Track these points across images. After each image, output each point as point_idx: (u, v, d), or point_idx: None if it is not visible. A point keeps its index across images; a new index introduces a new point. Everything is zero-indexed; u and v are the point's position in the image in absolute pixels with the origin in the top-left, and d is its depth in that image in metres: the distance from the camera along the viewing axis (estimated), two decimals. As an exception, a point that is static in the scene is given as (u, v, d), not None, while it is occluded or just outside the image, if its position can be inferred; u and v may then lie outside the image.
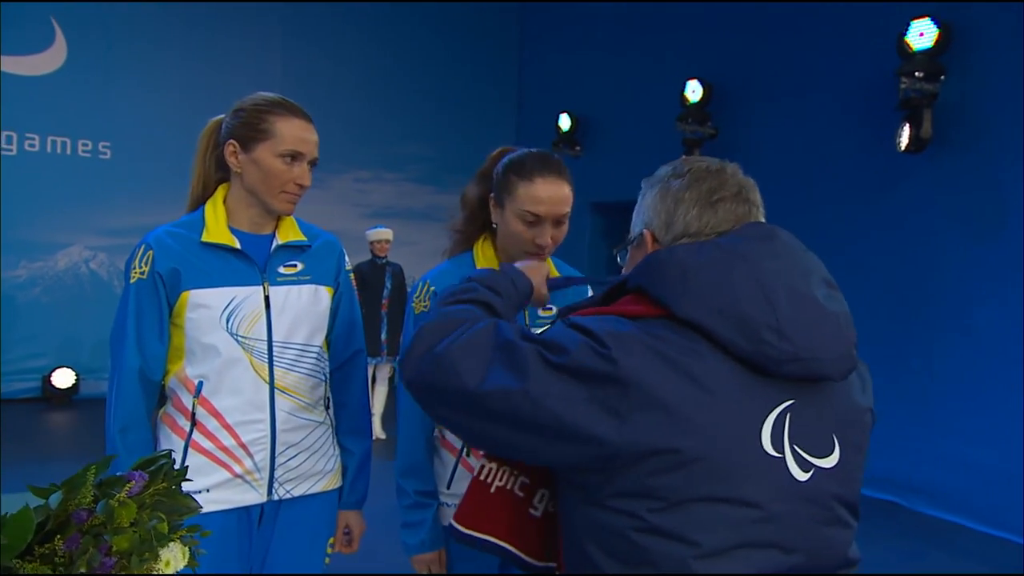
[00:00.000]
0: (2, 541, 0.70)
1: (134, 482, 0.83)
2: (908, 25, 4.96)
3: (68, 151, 7.32)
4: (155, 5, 7.46)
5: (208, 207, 1.62)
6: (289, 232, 1.67)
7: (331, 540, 1.75)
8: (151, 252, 1.56)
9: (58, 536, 0.76)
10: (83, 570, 0.74)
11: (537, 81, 9.11)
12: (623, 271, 1.19)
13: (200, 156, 1.68)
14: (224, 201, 1.64)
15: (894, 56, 5.05)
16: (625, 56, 7.61)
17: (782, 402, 0.97)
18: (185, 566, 0.84)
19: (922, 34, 4.94)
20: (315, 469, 1.69)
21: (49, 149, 7.23)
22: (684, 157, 1.16)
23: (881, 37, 5.20)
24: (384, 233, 6.13)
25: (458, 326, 1.06)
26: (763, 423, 0.95)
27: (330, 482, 1.73)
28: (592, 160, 7.80)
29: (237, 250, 1.59)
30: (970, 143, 4.88)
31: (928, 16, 4.87)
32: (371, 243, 6.09)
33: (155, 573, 0.79)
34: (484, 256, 1.70)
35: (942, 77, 4.97)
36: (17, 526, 0.72)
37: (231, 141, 1.59)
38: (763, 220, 1.11)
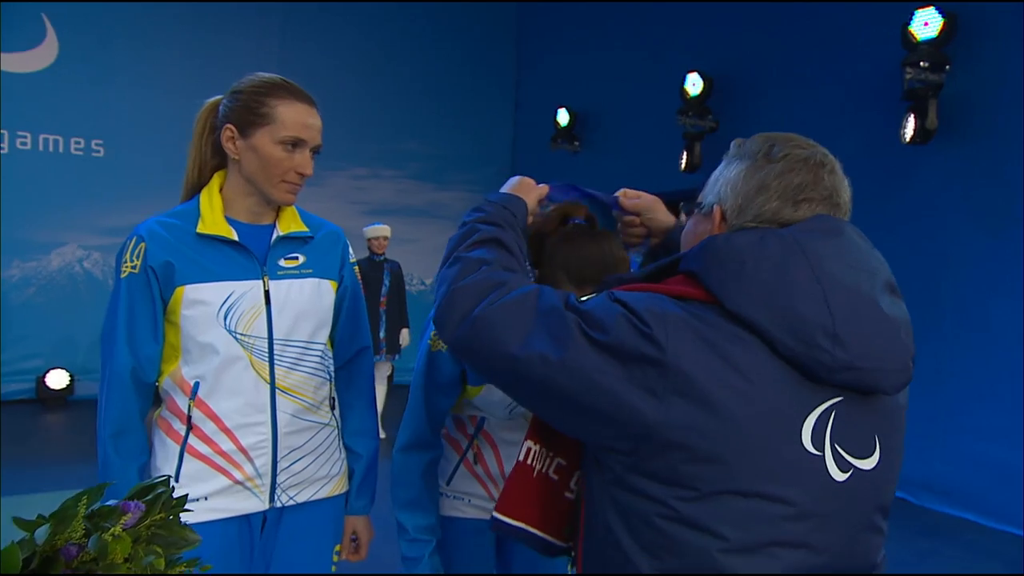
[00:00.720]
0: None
1: (130, 513, 0.74)
2: (912, 15, 4.89)
3: (61, 149, 7.22)
4: (148, 3, 7.35)
5: (203, 196, 1.53)
6: (290, 223, 1.57)
7: (337, 547, 1.66)
8: (143, 244, 1.47)
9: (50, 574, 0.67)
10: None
11: (535, 76, 9.03)
12: (684, 232, 1.15)
13: (196, 140, 1.58)
14: (220, 190, 1.54)
15: (898, 47, 4.97)
16: (624, 50, 7.53)
17: (828, 399, 0.92)
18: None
19: (927, 24, 4.86)
20: (320, 473, 1.61)
21: (41, 147, 7.12)
22: (784, 135, 1.05)
23: (885, 27, 5.12)
24: (382, 230, 6.04)
25: (493, 288, 1.03)
26: (805, 419, 0.91)
27: (336, 487, 1.64)
28: (591, 155, 7.71)
29: (235, 242, 1.50)
30: (977, 134, 4.81)
31: (932, 5, 4.80)
32: (369, 240, 6.01)
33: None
34: None
35: (947, 67, 4.89)
36: (1, 565, 0.63)
37: (228, 125, 1.50)
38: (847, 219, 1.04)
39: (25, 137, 7.04)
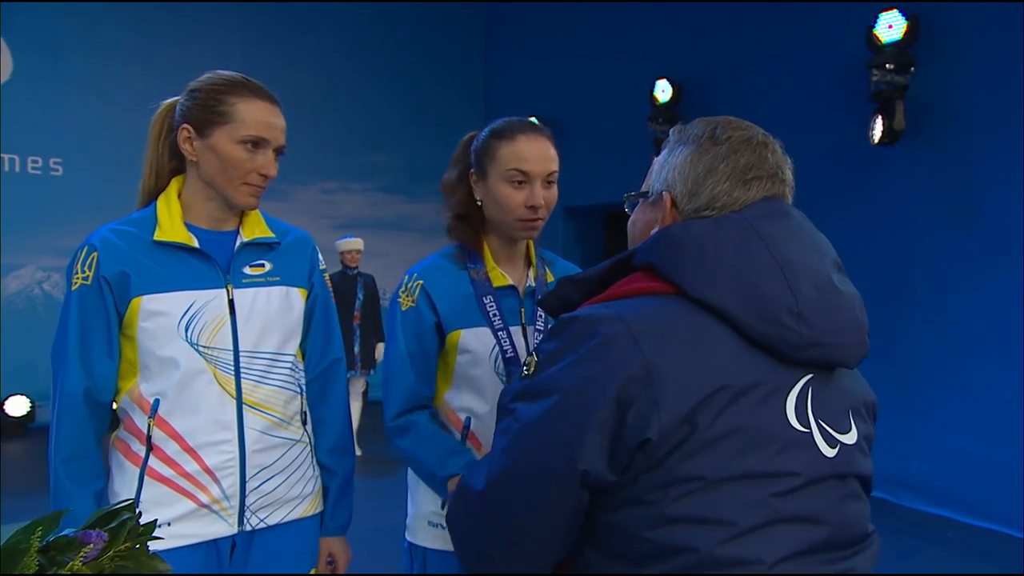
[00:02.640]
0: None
1: (91, 544, 0.65)
2: (876, 17, 4.94)
3: (17, 168, 7.01)
4: (105, 16, 7.20)
5: (161, 202, 1.44)
6: (255, 228, 1.48)
7: (313, 571, 1.57)
8: (95, 254, 1.38)
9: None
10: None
11: (504, 85, 9.00)
12: (628, 223, 1.13)
13: (152, 144, 1.49)
14: (179, 195, 1.45)
15: (863, 49, 5.02)
16: (592, 58, 7.53)
17: (801, 377, 0.94)
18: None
19: (891, 26, 4.92)
20: (292, 494, 1.51)
21: (-3, 167, 6.91)
22: (723, 118, 1.06)
23: (850, 30, 5.17)
24: (355, 243, 5.94)
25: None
26: (787, 398, 0.92)
27: (309, 507, 1.55)
28: (562, 164, 7.65)
29: (195, 249, 1.41)
30: (943, 134, 4.87)
31: (896, 8, 4.85)
32: (341, 254, 5.90)
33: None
34: (489, 246, 1.60)
35: (912, 68, 4.95)
36: None
37: (185, 125, 1.41)
38: (790, 199, 1.05)
39: (-20, 157, 6.82)
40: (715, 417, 0.87)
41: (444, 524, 1.50)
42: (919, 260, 4.95)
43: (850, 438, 0.96)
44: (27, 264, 7.09)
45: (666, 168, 1.05)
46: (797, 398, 0.92)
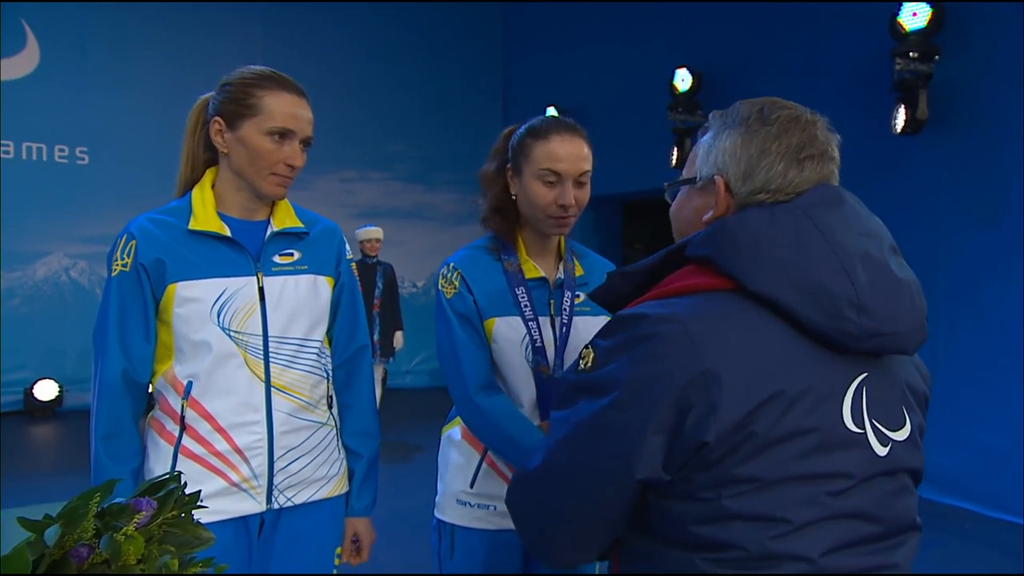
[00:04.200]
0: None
1: (142, 512, 0.70)
2: (901, 6, 4.89)
3: (44, 157, 7.12)
4: (130, 6, 7.28)
5: (195, 192, 1.49)
6: (285, 218, 1.53)
7: (338, 550, 1.62)
8: (134, 242, 1.43)
9: (63, 577, 0.63)
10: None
11: (523, 75, 8.99)
12: (672, 211, 1.10)
13: (188, 136, 1.54)
14: (212, 185, 1.50)
15: (887, 37, 4.97)
16: (611, 47, 7.51)
17: (857, 376, 0.93)
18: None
19: (915, 14, 4.86)
20: (318, 474, 1.56)
21: (24, 156, 7.03)
22: (767, 99, 1.03)
23: (874, 18, 5.12)
24: (374, 232, 5.99)
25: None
26: (843, 399, 0.91)
27: (335, 488, 1.60)
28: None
29: (228, 238, 1.46)
30: (967, 123, 4.82)
31: (921, -4, 4.80)
32: (361, 243, 5.96)
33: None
34: (522, 239, 1.64)
35: (936, 57, 4.89)
36: (10, 569, 0.59)
37: (216, 118, 1.47)
38: (838, 176, 1.03)
39: (8, 145, 6.94)
40: (773, 422, 0.87)
41: (472, 502, 1.56)
42: (943, 252, 4.91)
43: (902, 434, 0.96)
44: (54, 251, 7.22)
45: (714, 152, 1.01)
46: (853, 399, 0.92)
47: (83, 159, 7.28)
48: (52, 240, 7.17)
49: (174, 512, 0.74)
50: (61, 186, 7.11)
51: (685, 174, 1.07)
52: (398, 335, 6.09)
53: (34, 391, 6.91)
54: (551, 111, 7.89)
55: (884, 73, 5.02)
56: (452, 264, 1.62)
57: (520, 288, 1.58)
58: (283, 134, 1.44)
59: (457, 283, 1.59)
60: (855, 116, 5.35)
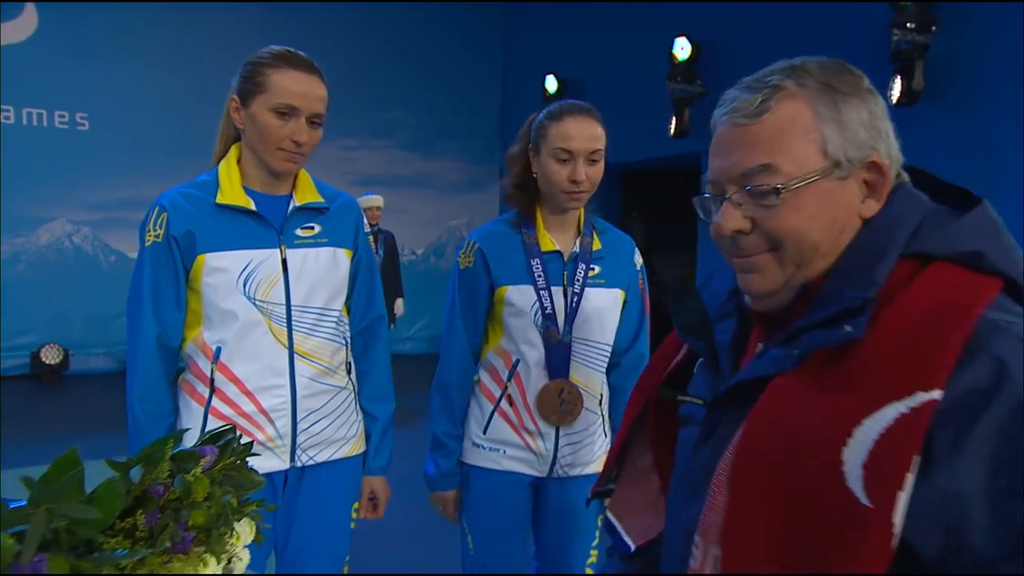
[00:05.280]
0: (93, 515, 0.67)
1: (207, 457, 0.80)
2: (900, -24, 4.91)
3: (44, 123, 7.13)
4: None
5: (222, 167, 1.57)
6: (307, 193, 1.62)
7: (356, 506, 1.74)
8: (165, 214, 1.51)
9: (139, 511, 0.73)
10: (168, 544, 0.71)
11: (522, 44, 8.97)
12: (803, 213, 0.81)
13: (223, 115, 1.62)
14: (238, 161, 1.58)
15: (886, 8, 5.01)
16: (611, 15, 7.50)
17: None
18: (251, 541, 0.82)
19: (914, -16, 4.89)
20: (338, 435, 1.67)
21: (25, 121, 7.04)
22: (836, 61, 0.86)
23: (873, -11, 5.15)
24: (375, 200, 6.05)
25: None
26: None
27: (353, 448, 1.71)
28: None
29: (253, 212, 1.55)
30: (962, 94, 4.88)
31: (920, -34, 4.82)
32: (362, 211, 6.02)
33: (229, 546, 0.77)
34: (541, 214, 1.79)
35: (933, 28, 4.93)
36: (107, 498, 0.69)
37: (234, 97, 1.55)
38: None
39: (8, 111, 6.95)
40: None
41: (484, 445, 1.78)
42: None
43: None
44: (57, 217, 7.27)
45: (851, 128, 0.81)
46: None
47: (83, 125, 7.29)
48: (54, 206, 7.22)
49: (231, 459, 0.84)
50: (62, 152, 7.13)
51: (790, 167, 0.80)
52: (399, 302, 6.19)
53: (40, 355, 7.02)
54: (550, 80, 7.90)
55: (882, 43, 5.06)
56: (473, 239, 1.78)
57: (535, 260, 1.72)
58: (288, 110, 1.50)
59: (473, 256, 1.75)
60: (853, 87, 5.40)
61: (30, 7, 6.98)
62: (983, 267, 0.76)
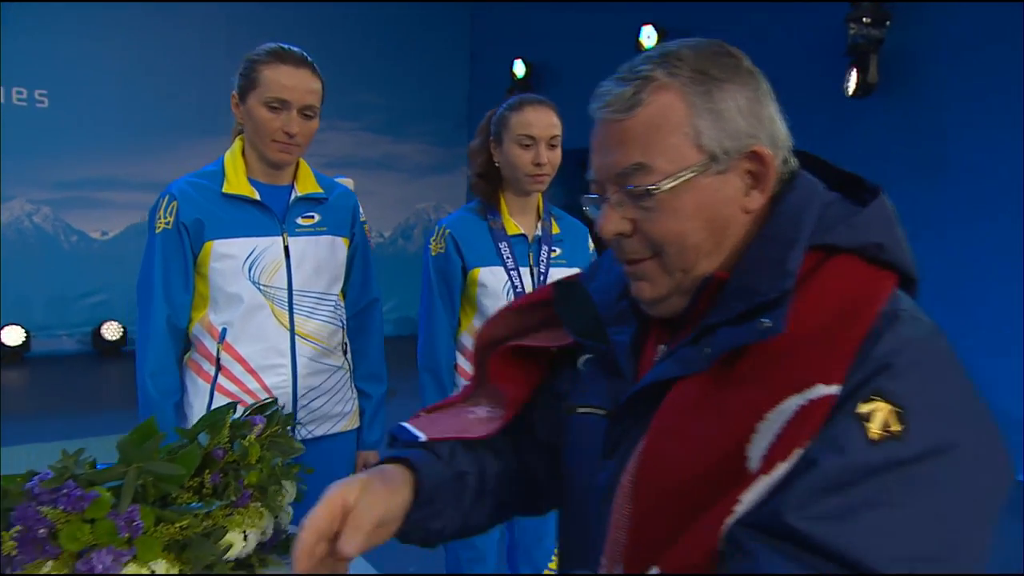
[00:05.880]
0: (176, 471, 0.78)
1: (259, 425, 0.91)
2: (856, -28, 5.10)
3: (1, 100, 6.99)
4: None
5: (228, 158, 1.66)
6: (307, 184, 1.72)
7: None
8: (175, 203, 1.60)
9: (206, 471, 0.84)
10: (232, 499, 0.83)
11: (490, 27, 9.01)
12: (679, 215, 0.77)
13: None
14: (243, 153, 1.67)
15: (843, 2, 5.20)
16: (578, 2, 7.60)
17: None
18: (294, 499, 0.95)
19: (870, -20, 5.09)
20: (335, 411, 1.78)
21: (-18, 98, 6.89)
22: (715, 42, 0.82)
23: (832, -17, 5.34)
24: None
25: None
26: None
27: (348, 423, 1.82)
28: (547, 106, 7.81)
29: (257, 201, 1.64)
30: (914, 87, 5.10)
31: (875, -38, 5.02)
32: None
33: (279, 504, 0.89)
34: (505, 201, 1.92)
35: (887, 23, 5.15)
36: (186, 458, 0.80)
37: (233, 93, 1.63)
38: None
39: (-35, 88, 6.80)
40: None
41: None
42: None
43: None
44: (17, 196, 7.15)
45: (726, 117, 0.77)
46: None
47: (43, 102, 7.16)
48: (13, 185, 7.08)
49: (276, 427, 0.96)
50: (20, 130, 7.00)
51: (663, 163, 0.76)
52: (369, 284, 6.26)
53: (1, 336, 6.93)
54: (518, 64, 7.98)
55: (840, 37, 5.26)
56: (444, 226, 1.90)
57: (503, 243, 1.86)
58: (280, 104, 1.59)
59: (444, 243, 1.87)
60: (810, 78, 5.60)
61: (-13, -20, 6.82)
62: (881, 260, 0.76)
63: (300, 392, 1.70)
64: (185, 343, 1.69)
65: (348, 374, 1.82)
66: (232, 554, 0.82)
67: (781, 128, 0.80)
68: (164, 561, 0.75)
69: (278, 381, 1.68)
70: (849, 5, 5.15)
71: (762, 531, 0.64)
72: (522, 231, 1.89)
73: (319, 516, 0.72)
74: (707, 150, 0.76)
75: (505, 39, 8.50)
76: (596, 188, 0.82)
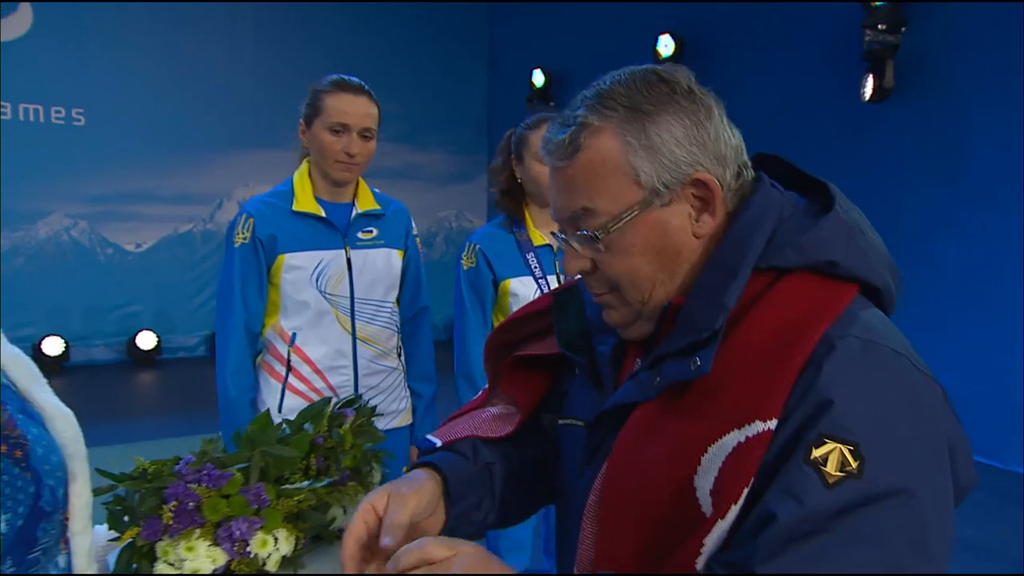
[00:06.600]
0: (292, 454, 0.93)
1: (349, 417, 1.06)
2: (871, -22, 5.20)
3: (41, 119, 7.24)
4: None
5: (296, 179, 1.82)
6: (367, 201, 1.88)
7: (405, 468, 2.00)
8: (252, 220, 1.76)
9: (311, 455, 0.99)
10: (336, 478, 0.98)
11: (507, 38, 9.17)
12: (634, 252, 0.80)
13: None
14: (309, 174, 1.83)
15: (859, 9, 5.30)
16: (596, 11, 7.73)
17: None
18: (379, 480, 1.09)
19: (884, -13, 5.19)
20: (390, 408, 1.93)
21: (22, 117, 7.14)
22: (639, 72, 0.84)
23: (847, -10, 5.44)
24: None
25: None
26: None
27: (402, 420, 1.98)
28: (566, 115, 7.94)
29: (323, 218, 1.80)
30: (929, 92, 5.19)
31: (890, -31, 5.11)
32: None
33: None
34: (529, 214, 2.06)
35: (903, 29, 5.24)
36: (298, 443, 0.95)
37: (300, 121, 1.79)
38: None
39: (5, 107, 7.05)
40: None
41: None
42: (904, 210, 5.33)
43: None
44: (55, 211, 7.39)
45: (665, 150, 0.78)
46: None
47: (79, 120, 7.40)
48: (52, 200, 7.33)
49: (362, 420, 1.10)
50: (58, 147, 7.24)
51: (605, 204, 0.79)
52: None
53: (42, 347, 7.16)
54: (537, 74, 8.13)
55: (855, 43, 5.35)
56: (473, 241, 2.04)
57: (530, 253, 2.00)
58: (341, 128, 1.76)
59: (475, 257, 2.01)
60: (827, 84, 5.71)
61: (25, 5, 7.07)
62: (838, 274, 0.76)
63: (360, 391, 1.86)
64: (257, 346, 1.84)
65: (402, 375, 1.98)
66: (335, 525, 0.97)
67: (731, 142, 0.81)
68: (284, 530, 0.90)
69: (342, 381, 1.83)
70: (864, 11, 5.25)
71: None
72: (547, 241, 2.02)
73: (356, 525, 0.80)
74: (647, 186, 0.78)
75: (524, 48, 8.65)
76: (559, 228, 0.87)
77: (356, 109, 1.78)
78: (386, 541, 0.75)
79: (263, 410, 1.75)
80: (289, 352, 1.80)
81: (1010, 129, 4.70)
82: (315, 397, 1.80)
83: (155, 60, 7.50)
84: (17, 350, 0.69)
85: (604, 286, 0.83)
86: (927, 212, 5.19)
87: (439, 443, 0.97)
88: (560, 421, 0.94)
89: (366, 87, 1.84)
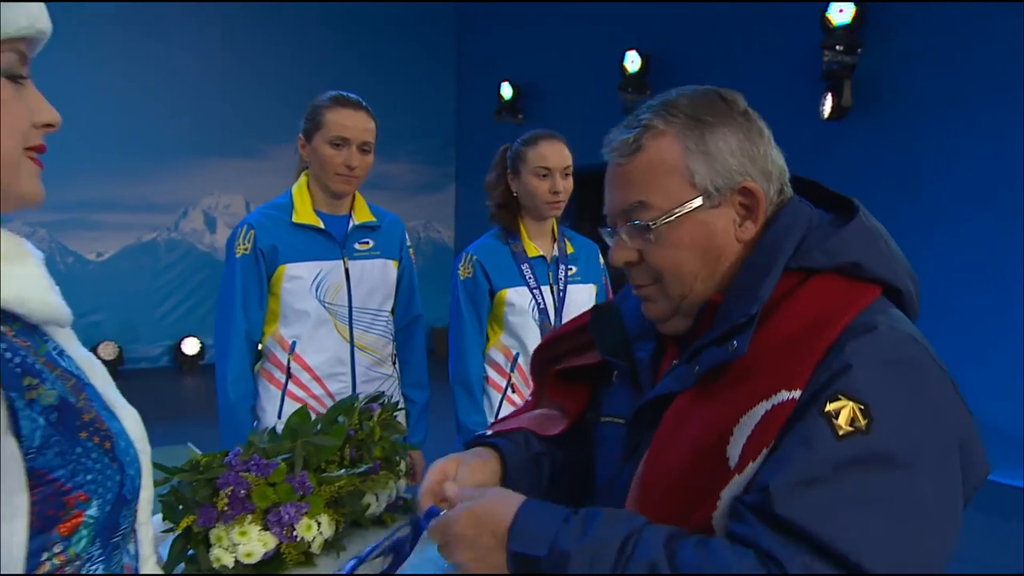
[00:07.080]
0: (331, 443, 1.00)
1: (377, 411, 1.13)
2: (828, 4, 5.43)
3: None
4: (86, -27, 7.26)
5: (295, 192, 1.88)
6: (363, 214, 1.95)
7: (402, 470, 2.07)
8: (253, 231, 1.82)
9: (345, 446, 1.06)
10: (368, 465, 1.05)
11: (476, 51, 9.28)
12: (679, 247, 0.87)
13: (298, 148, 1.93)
14: (307, 186, 1.89)
15: (818, 31, 5.52)
16: (565, 25, 7.88)
17: None
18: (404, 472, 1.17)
19: (841, 10, 5.41)
20: (385, 414, 1.99)
21: (-20, 123, 7.00)
22: (711, 88, 0.92)
23: (807, 12, 5.66)
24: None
25: None
26: None
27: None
28: (535, 128, 8.06)
29: (322, 229, 1.86)
30: (885, 110, 5.42)
31: (846, -7, 5.35)
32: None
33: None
34: (524, 227, 2.13)
35: (859, 50, 5.47)
36: (335, 434, 1.02)
37: (300, 135, 1.86)
38: None
39: (-37, 113, 6.90)
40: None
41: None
42: (861, 223, 5.54)
43: None
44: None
45: (720, 158, 0.86)
46: None
47: (40, 127, 7.28)
48: (11, 209, 7.19)
49: (386, 414, 1.18)
50: (18, 154, 7.11)
51: (660, 201, 0.87)
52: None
53: None
54: (505, 86, 8.25)
55: (815, 63, 5.58)
56: (471, 252, 2.10)
57: (525, 264, 2.08)
58: (341, 141, 1.83)
59: (472, 268, 2.08)
60: (787, 102, 5.92)
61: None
62: (862, 275, 0.83)
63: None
64: (256, 355, 1.89)
65: (396, 381, 2.04)
66: (370, 512, 1.03)
67: (776, 162, 0.90)
68: (326, 515, 0.96)
69: (340, 388, 1.89)
70: (823, 32, 5.47)
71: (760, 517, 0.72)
72: (541, 253, 2.10)
73: (430, 479, 0.89)
74: (700, 188, 0.86)
75: (492, 61, 8.76)
76: (609, 222, 0.94)
77: (355, 123, 1.85)
78: (454, 490, 0.83)
79: (263, 417, 1.82)
80: (289, 360, 1.85)
81: (962, 145, 4.94)
82: (314, 404, 1.85)
83: (119, 67, 7.42)
84: (89, 352, 0.76)
85: (648, 277, 0.90)
86: (886, 224, 5.33)
87: (489, 433, 1.04)
88: (602, 419, 1.00)
89: (364, 103, 1.91)
